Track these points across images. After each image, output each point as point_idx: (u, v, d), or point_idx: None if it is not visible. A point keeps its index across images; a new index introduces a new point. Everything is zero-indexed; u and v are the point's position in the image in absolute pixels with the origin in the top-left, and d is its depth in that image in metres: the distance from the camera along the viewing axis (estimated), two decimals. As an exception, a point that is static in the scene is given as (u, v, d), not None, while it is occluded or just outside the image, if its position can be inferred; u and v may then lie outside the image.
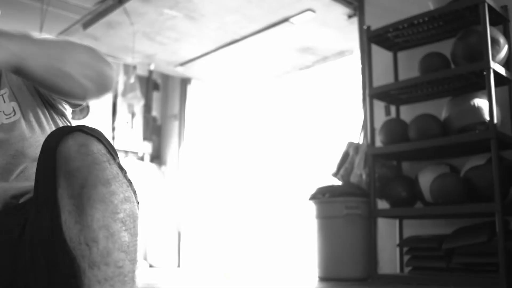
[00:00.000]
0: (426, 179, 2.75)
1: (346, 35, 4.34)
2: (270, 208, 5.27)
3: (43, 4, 4.52)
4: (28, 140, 1.02)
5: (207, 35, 4.50)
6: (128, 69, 5.73)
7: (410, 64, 3.24)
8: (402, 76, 3.22)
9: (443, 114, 2.83)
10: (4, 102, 1.04)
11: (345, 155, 3.11)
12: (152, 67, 5.34)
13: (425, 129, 2.75)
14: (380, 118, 3.14)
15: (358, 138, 3.33)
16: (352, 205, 2.93)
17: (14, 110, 1.03)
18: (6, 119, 1.02)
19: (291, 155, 5.24)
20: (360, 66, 3.63)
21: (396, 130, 2.92)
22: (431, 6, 2.92)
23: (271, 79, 5.61)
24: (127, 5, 3.88)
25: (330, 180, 3.23)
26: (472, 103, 2.66)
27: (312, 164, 4.84)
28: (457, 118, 2.69)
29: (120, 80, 5.68)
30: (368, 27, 3.12)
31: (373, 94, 3.05)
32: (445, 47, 2.96)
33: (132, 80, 5.34)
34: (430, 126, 2.75)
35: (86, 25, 4.25)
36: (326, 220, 3.01)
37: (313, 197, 3.09)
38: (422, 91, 2.98)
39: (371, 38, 3.12)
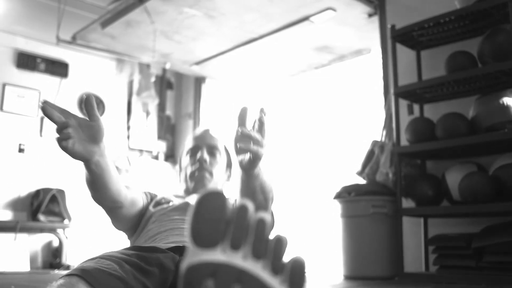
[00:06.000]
0: (454, 178, 2.74)
1: (365, 33, 4.34)
2: (294, 207, 5.25)
3: (60, 3, 4.53)
4: None
5: (225, 34, 4.50)
6: (143, 68, 5.75)
7: (432, 63, 3.24)
8: (424, 75, 3.23)
9: (470, 113, 2.82)
10: None
11: (370, 154, 3.11)
12: (168, 66, 5.33)
13: (453, 128, 2.74)
14: (403, 116, 3.13)
15: (380, 136, 3.33)
16: (378, 204, 2.92)
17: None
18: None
19: (309, 154, 5.23)
20: (379, 64, 3.62)
21: (422, 129, 2.92)
22: (457, 5, 2.92)
23: (286, 78, 5.61)
24: (147, 4, 3.88)
25: (353, 179, 3.22)
26: (500, 101, 2.66)
27: (331, 163, 4.84)
28: (485, 117, 2.69)
29: (136, 79, 5.70)
30: (393, 26, 3.11)
31: (398, 92, 3.05)
32: (469, 46, 2.96)
33: (153, 79, 5.34)
34: (458, 125, 2.74)
35: (105, 24, 4.25)
36: (352, 218, 3.01)
37: (338, 196, 3.09)
38: (447, 90, 2.97)
39: (396, 37, 3.12)
